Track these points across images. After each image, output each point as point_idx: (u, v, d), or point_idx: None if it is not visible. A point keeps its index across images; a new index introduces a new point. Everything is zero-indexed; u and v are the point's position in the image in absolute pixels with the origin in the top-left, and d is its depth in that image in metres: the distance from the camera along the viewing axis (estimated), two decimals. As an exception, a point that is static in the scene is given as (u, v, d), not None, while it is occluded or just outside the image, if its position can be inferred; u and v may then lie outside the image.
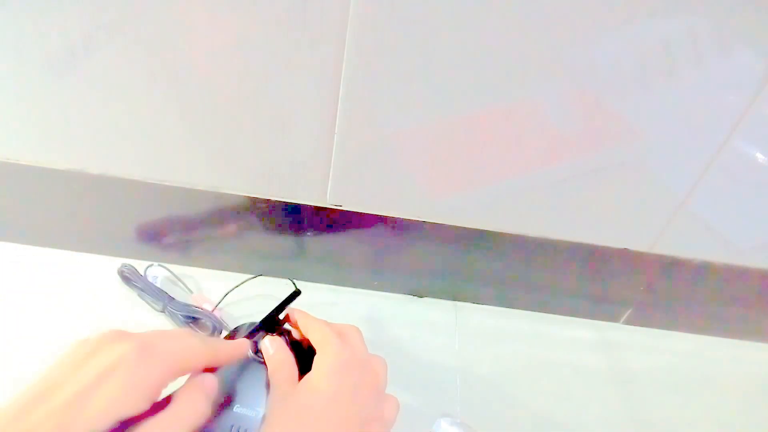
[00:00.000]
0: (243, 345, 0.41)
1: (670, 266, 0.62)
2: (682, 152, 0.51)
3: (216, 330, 0.57)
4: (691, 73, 0.45)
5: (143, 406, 0.31)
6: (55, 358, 0.32)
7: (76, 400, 0.29)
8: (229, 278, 0.63)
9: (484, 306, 0.69)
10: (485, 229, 0.58)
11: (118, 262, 0.62)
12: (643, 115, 0.48)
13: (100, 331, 0.33)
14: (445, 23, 0.42)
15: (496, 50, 0.44)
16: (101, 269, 0.62)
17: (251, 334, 0.45)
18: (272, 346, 0.42)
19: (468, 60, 0.44)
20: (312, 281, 0.66)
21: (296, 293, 0.52)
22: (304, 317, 0.46)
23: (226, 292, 0.61)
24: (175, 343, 0.34)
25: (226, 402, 0.39)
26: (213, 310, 0.59)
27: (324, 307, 0.65)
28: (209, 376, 0.36)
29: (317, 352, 0.41)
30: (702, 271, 0.62)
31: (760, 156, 0.51)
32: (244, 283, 0.62)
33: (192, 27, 0.44)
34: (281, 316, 0.48)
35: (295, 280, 0.66)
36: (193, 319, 0.57)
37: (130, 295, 0.60)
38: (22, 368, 0.53)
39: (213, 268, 0.65)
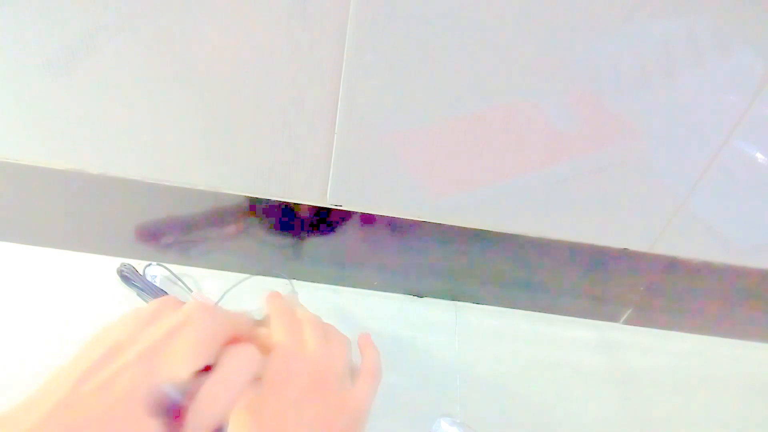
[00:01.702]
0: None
1: (670, 266, 0.62)
2: (682, 152, 0.51)
3: None
4: (691, 73, 0.45)
5: (212, 359, 0.31)
6: (107, 324, 0.32)
7: (153, 352, 0.30)
8: (229, 278, 0.63)
9: (484, 306, 0.69)
10: (485, 229, 0.58)
11: (118, 261, 0.62)
12: (643, 115, 0.48)
13: (153, 301, 0.34)
14: (445, 23, 0.42)
15: (496, 50, 0.44)
16: (101, 269, 0.62)
17: None
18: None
19: (468, 60, 0.44)
20: (312, 281, 0.66)
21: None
22: (272, 310, 0.45)
23: (224, 291, 0.61)
24: (226, 309, 0.36)
25: None
26: None
27: (324, 307, 0.65)
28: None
29: (271, 351, 0.40)
30: (702, 271, 0.62)
31: (760, 156, 0.51)
32: (244, 283, 0.62)
33: (192, 27, 0.44)
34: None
35: (295, 280, 0.66)
36: None
37: (129, 294, 0.60)
38: (21, 367, 0.54)
39: (213, 268, 0.65)
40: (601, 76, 0.46)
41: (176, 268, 0.63)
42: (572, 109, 0.48)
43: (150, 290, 0.59)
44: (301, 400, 0.39)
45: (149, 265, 0.62)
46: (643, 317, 0.69)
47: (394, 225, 0.58)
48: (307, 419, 0.38)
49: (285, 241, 0.62)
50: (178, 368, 0.30)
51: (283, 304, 0.45)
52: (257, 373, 0.34)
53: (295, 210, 0.58)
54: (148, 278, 0.61)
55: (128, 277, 0.60)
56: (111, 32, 0.44)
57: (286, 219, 0.59)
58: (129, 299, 0.60)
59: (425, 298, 0.68)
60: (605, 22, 0.42)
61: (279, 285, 0.65)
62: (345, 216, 0.58)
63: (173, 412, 0.28)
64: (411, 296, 0.68)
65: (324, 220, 0.59)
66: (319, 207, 0.57)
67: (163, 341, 0.30)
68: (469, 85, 0.46)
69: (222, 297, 0.60)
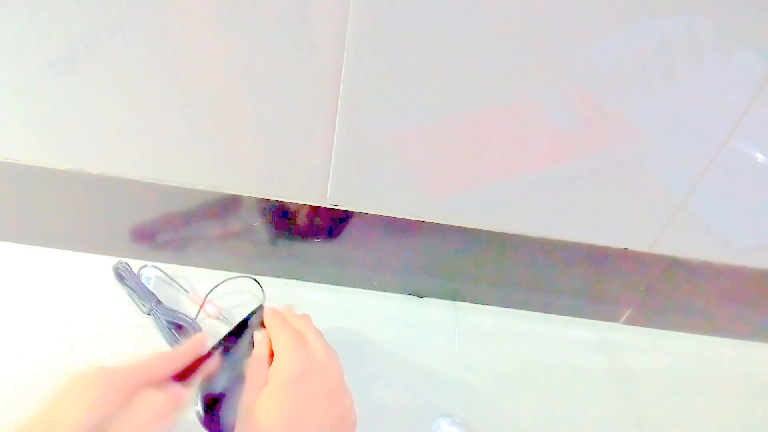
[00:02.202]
0: (198, 340, 0.43)
1: (670, 266, 0.62)
2: (682, 152, 0.51)
3: None
4: (691, 74, 0.45)
5: (112, 411, 0.34)
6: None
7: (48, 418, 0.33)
8: (229, 278, 0.63)
9: (484, 306, 0.69)
10: (485, 229, 0.58)
11: (117, 261, 0.62)
12: (643, 115, 0.48)
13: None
14: (445, 23, 0.42)
15: (496, 50, 0.44)
16: (100, 269, 0.62)
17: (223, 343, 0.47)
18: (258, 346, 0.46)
19: (468, 60, 0.44)
20: (312, 281, 0.66)
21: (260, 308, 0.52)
22: (272, 323, 0.47)
23: (221, 291, 0.61)
24: (135, 362, 0.38)
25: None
26: (198, 313, 0.59)
27: (324, 307, 0.65)
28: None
29: (273, 363, 0.43)
30: (702, 271, 0.62)
31: (760, 156, 0.51)
32: (243, 283, 0.62)
33: (192, 27, 0.44)
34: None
35: (294, 280, 0.66)
36: (177, 326, 0.57)
37: (125, 294, 0.60)
38: (19, 366, 0.54)
39: (212, 268, 0.65)
40: (601, 76, 0.46)
41: (174, 268, 0.63)
42: (572, 109, 0.48)
43: (141, 291, 0.59)
44: (316, 402, 0.41)
45: (144, 266, 0.62)
46: (643, 317, 0.69)
47: (394, 225, 0.58)
48: (319, 420, 0.40)
49: (285, 241, 0.62)
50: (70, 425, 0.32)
51: (281, 318, 0.47)
52: (164, 413, 0.36)
53: (295, 210, 0.58)
54: (143, 279, 0.61)
55: (122, 275, 0.60)
56: (111, 32, 0.44)
57: (285, 219, 0.59)
58: (127, 299, 0.60)
59: (425, 298, 0.68)
60: (605, 22, 0.42)
61: (278, 285, 0.65)
62: (345, 216, 0.58)
63: None
64: (411, 296, 0.68)
65: (324, 220, 0.59)
66: (318, 207, 0.57)
67: (62, 407, 0.33)
68: (469, 85, 0.46)
69: (209, 292, 0.60)
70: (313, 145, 0.51)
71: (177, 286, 0.62)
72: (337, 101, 0.47)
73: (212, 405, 0.48)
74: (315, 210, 0.57)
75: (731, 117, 0.48)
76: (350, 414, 0.43)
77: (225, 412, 0.47)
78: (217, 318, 0.60)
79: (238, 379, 0.49)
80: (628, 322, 0.70)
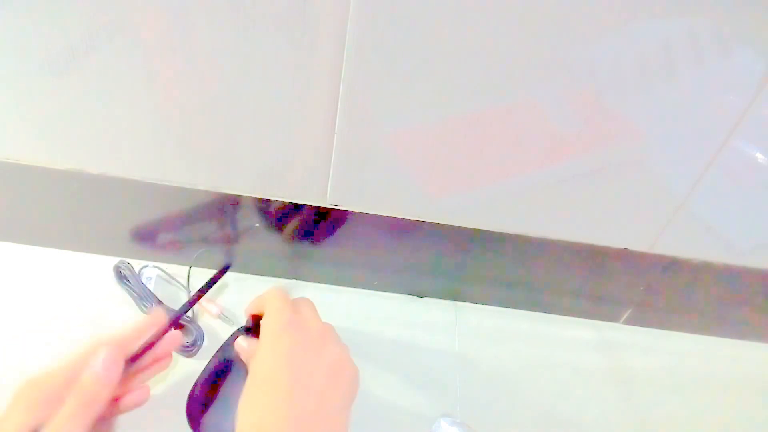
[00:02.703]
0: (157, 316, 0.45)
1: (670, 266, 0.62)
2: (682, 152, 0.51)
3: (198, 337, 0.57)
4: (691, 74, 0.45)
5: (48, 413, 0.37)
6: None
7: None
8: (228, 278, 0.63)
9: (484, 306, 0.69)
10: (485, 229, 0.58)
11: (119, 260, 0.62)
12: (643, 115, 0.48)
13: None
14: (445, 23, 0.42)
15: (496, 50, 0.44)
16: (101, 269, 0.62)
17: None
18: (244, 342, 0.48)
19: (468, 60, 0.44)
20: (312, 281, 0.66)
21: (226, 268, 0.55)
22: (268, 296, 0.48)
23: (217, 289, 0.61)
24: (73, 360, 0.40)
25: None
26: (193, 310, 0.59)
27: (324, 307, 0.65)
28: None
29: (264, 316, 0.45)
30: (702, 271, 0.62)
31: (760, 156, 0.51)
32: (242, 283, 0.62)
33: (191, 27, 0.44)
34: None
35: (295, 280, 0.66)
36: (178, 326, 0.57)
37: (126, 294, 0.60)
38: (19, 367, 0.53)
39: (212, 268, 0.64)
40: (601, 76, 0.45)
41: (175, 269, 0.63)
42: (572, 109, 0.48)
43: (141, 292, 0.59)
44: (308, 343, 0.42)
45: (145, 266, 0.62)
46: (643, 317, 0.69)
47: (394, 225, 0.58)
48: (314, 360, 0.41)
49: (285, 241, 0.62)
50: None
51: (281, 292, 0.49)
52: (92, 396, 0.38)
53: (295, 210, 0.58)
54: (143, 279, 0.61)
55: (124, 275, 0.60)
56: (111, 33, 0.44)
57: (285, 219, 0.59)
58: (128, 299, 0.60)
59: (425, 298, 0.68)
60: (605, 22, 0.42)
61: (279, 285, 0.65)
62: (345, 216, 0.58)
63: None
64: (411, 296, 0.68)
65: (324, 220, 0.59)
66: (318, 207, 0.57)
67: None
68: (469, 85, 0.46)
69: (200, 290, 0.61)
70: (313, 145, 0.51)
71: (177, 286, 0.62)
72: (337, 101, 0.47)
73: (202, 399, 0.49)
74: (315, 210, 0.57)
75: (731, 117, 0.48)
76: (348, 363, 0.43)
77: (215, 409, 0.49)
78: (219, 317, 0.60)
79: (233, 376, 0.50)
80: (628, 322, 0.70)
